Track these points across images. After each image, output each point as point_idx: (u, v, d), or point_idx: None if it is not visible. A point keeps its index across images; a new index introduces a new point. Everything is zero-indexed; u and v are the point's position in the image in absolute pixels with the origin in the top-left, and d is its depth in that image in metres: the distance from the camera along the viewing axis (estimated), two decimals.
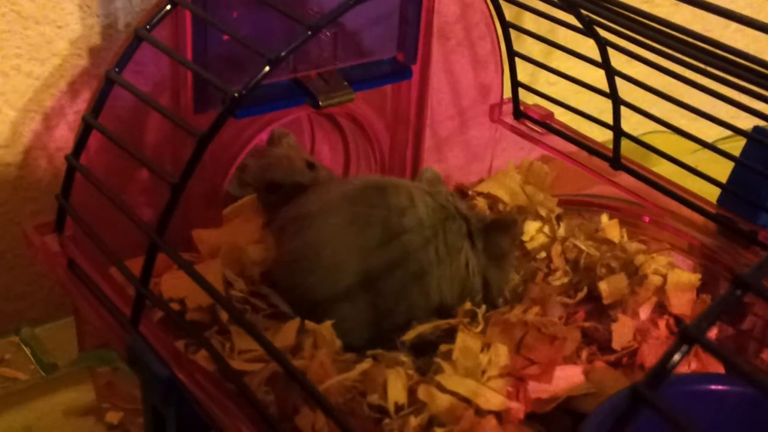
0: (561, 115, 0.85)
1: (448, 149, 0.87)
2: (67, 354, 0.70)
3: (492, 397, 0.57)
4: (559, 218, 0.75)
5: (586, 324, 0.66)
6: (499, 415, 0.57)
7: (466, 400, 0.57)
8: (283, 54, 0.52)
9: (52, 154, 0.77)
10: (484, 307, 0.65)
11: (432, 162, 0.86)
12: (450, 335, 0.61)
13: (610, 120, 0.76)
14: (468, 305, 0.64)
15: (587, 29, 0.67)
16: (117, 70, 0.60)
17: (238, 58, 0.66)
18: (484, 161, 0.89)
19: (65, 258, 0.61)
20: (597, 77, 0.76)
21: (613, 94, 0.72)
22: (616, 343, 0.64)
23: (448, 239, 0.65)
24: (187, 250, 0.70)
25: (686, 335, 0.34)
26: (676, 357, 0.34)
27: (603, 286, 0.68)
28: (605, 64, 0.70)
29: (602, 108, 0.80)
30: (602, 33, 0.69)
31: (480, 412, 0.56)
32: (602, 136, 0.82)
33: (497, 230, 0.68)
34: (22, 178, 0.76)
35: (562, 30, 0.75)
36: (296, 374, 0.48)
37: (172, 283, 0.64)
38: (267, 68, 0.51)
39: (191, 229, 0.70)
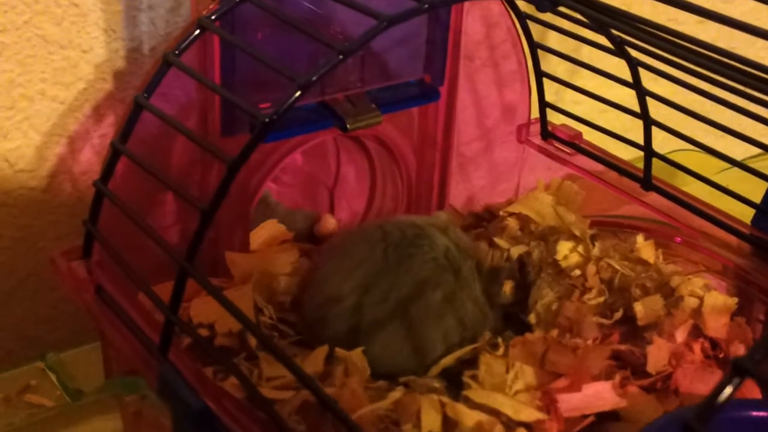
0: (587, 135, 0.84)
1: (473, 170, 0.86)
2: (93, 380, 0.69)
3: (522, 408, 0.56)
4: (593, 238, 0.74)
5: (622, 347, 0.65)
6: (530, 427, 0.56)
7: (497, 413, 0.56)
8: (313, 79, 0.51)
9: (77, 178, 0.77)
10: (508, 332, 0.64)
11: (458, 183, 0.85)
12: (473, 363, 0.61)
13: (636, 139, 0.75)
14: (488, 335, 0.64)
15: (618, 49, 0.67)
16: (146, 95, 0.59)
17: (264, 80, 0.66)
18: (510, 182, 0.88)
19: (93, 284, 0.61)
20: (622, 95, 0.76)
21: (644, 115, 0.72)
22: (651, 367, 0.63)
23: (463, 273, 0.66)
24: (213, 272, 0.70)
25: (739, 368, 0.32)
26: (728, 390, 0.33)
27: (638, 307, 0.67)
28: (636, 85, 0.69)
29: (628, 126, 0.80)
30: (632, 53, 0.68)
31: (511, 426, 0.55)
32: (627, 153, 0.81)
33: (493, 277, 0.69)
34: (46, 202, 0.76)
35: (587, 49, 0.75)
36: (329, 402, 0.47)
37: (202, 308, 0.64)
38: (298, 93, 0.51)
39: (218, 251, 0.69)
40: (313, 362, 0.60)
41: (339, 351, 0.59)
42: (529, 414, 0.55)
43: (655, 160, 0.76)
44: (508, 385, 0.57)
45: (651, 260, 0.73)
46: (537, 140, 0.84)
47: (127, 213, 0.58)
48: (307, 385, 0.48)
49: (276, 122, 0.51)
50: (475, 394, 0.55)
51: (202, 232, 0.53)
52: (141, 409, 0.57)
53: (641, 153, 0.76)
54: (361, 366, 0.58)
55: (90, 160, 0.76)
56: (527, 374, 0.58)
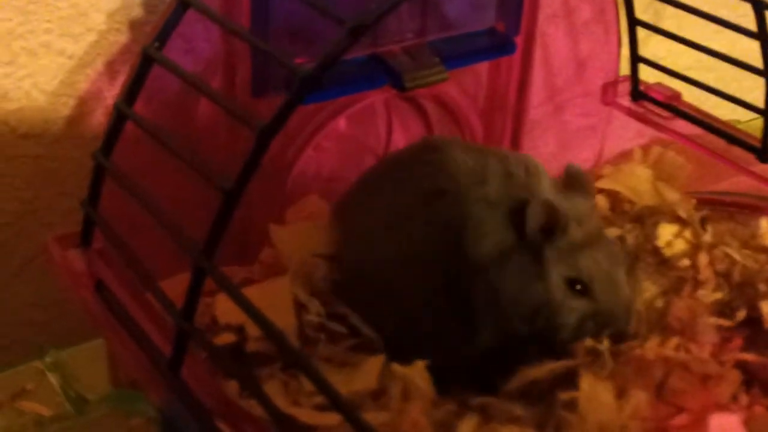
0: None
1: (549, 135, 0.79)
2: (101, 383, 0.62)
3: None
4: (704, 221, 0.66)
5: (748, 356, 0.55)
6: None
7: None
8: (368, 22, 0.42)
9: (88, 144, 0.69)
10: (607, 342, 0.54)
11: (531, 150, 0.77)
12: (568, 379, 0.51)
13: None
14: (590, 342, 0.53)
15: None
16: (157, 45, 0.50)
17: (304, 29, 0.59)
18: (592, 149, 0.80)
19: (92, 278, 0.53)
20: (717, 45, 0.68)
21: (767, 69, 0.61)
22: None
23: None
24: (242, 259, 0.63)
25: None
26: None
27: (766, 308, 0.58)
28: (761, 33, 0.58)
29: (729, 86, 0.72)
30: None
31: None
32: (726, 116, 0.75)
33: None
34: (53, 171, 0.70)
35: None
36: None
37: (229, 306, 0.53)
38: (348, 40, 0.41)
39: (248, 233, 0.63)
40: (365, 376, 0.51)
41: (396, 368, 0.49)
42: None
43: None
44: (618, 424, 0.47)
45: None
46: (626, 101, 0.76)
47: (134, 192, 0.49)
48: (343, 414, 0.39)
49: (319, 78, 0.42)
50: None
51: (225, 217, 0.44)
52: None
53: (735, 117, 0.69)
54: (424, 386, 0.48)
55: (103, 123, 0.70)
56: (642, 405, 0.48)
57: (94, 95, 0.70)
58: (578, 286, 0.54)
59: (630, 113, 0.75)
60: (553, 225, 0.55)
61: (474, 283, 0.55)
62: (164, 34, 0.51)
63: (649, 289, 0.61)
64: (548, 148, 0.80)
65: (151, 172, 0.58)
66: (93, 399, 0.60)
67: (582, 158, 0.80)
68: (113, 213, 0.54)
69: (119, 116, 0.51)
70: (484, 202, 0.56)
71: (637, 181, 0.69)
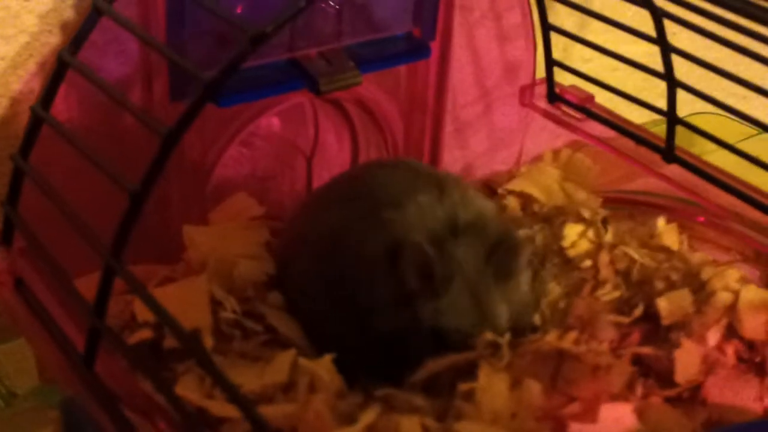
0: (598, 93, 0.76)
1: (470, 136, 0.79)
2: (30, 379, 0.62)
3: None
4: (605, 221, 0.66)
5: (644, 350, 0.56)
6: None
7: None
8: (268, 31, 0.42)
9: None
10: (508, 335, 0.54)
11: (453, 150, 0.77)
12: (469, 371, 0.52)
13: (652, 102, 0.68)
14: (489, 335, 0.54)
15: None
16: (72, 50, 0.51)
17: (225, 35, 0.58)
18: (511, 149, 0.80)
19: (12, 276, 0.53)
20: (637, 52, 0.68)
21: (668, 74, 0.63)
22: (680, 376, 0.55)
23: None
24: (165, 259, 0.62)
25: None
26: None
27: (662, 304, 0.58)
28: (661, 39, 0.60)
29: (640, 87, 0.73)
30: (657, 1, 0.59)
31: None
32: (642, 119, 0.76)
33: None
34: None
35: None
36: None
37: None
38: (248, 48, 0.42)
39: (170, 235, 0.62)
40: (276, 370, 0.51)
41: (303, 362, 0.50)
42: None
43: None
44: (510, 412, 0.48)
45: (675, 247, 0.65)
46: (542, 103, 0.77)
47: (48, 194, 0.49)
48: (240, 408, 0.39)
49: (220, 84, 0.43)
50: (468, 428, 0.46)
51: (131, 218, 0.44)
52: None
53: (652, 118, 0.70)
54: (329, 379, 0.49)
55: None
56: (535, 395, 0.49)
57: (27, 96, 0.68)
58: None
59: (546, 115, 0.76)
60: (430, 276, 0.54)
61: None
62: (79, 39, 0.51)
63: (554, 290, 0.61)
64: (479, 147, 0.80)
65: (73, 174, 0.56)
66: (21, 393, 0.61)
67: (507, 157, 0.81)
68: (36, 212, 0.53)
69: (36, 119, 0.52)
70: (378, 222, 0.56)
71: (546, 182, 0.70)
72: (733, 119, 0.85)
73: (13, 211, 0.52)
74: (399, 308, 0.54)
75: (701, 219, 0.68)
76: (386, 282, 0.54)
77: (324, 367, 0.50)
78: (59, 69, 0.51)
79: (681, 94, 0.67)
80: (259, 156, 0.71)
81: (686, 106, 0.71)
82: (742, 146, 0.67)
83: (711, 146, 0.69)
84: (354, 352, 0.52)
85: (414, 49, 0.68)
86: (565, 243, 0.64)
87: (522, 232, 0.64)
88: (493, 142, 0.80)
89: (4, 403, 0.61)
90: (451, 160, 0.78)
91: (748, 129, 0.94)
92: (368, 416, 0.46)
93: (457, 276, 0.54)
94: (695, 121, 0.70)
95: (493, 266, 0.55)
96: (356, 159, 0.74)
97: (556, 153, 0.74)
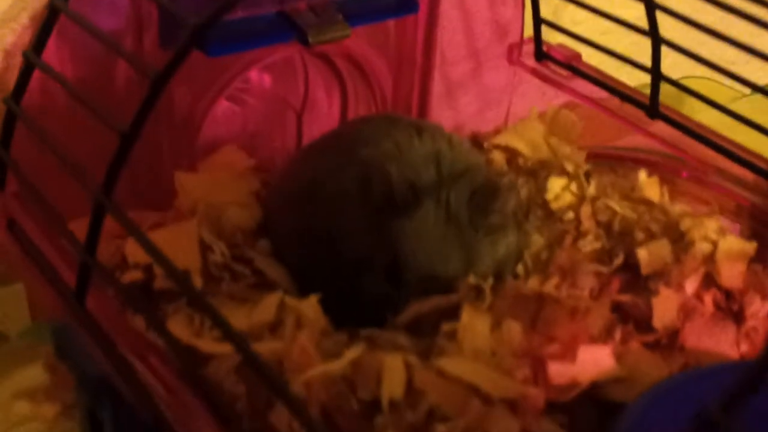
0: (588, 58, 0.76)
1: (459, 95, 0.78)
2: (23, 322, 0.63)
3: (504, 383, 0.48)
4: (588, 175, 0.66)
5: (623, 297, 0.57)
6: (514, 404, 0.48)
7: (474, 388, 0.47)
8: None
9: None
10: (491, 279, 0.55)
11: (442, 109, 0.77)
12: (453, 313, 0.52)
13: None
14: (472, 278, 0.54)
15: None
16: None
17: None
18: (500, 108, 0.80)
19: (4, 217, 0.54)
20: (628, 14, 0.68)
21: (653, 31, 0.63)
22: (658, 321, 0.55)
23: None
24: (158, 208, 0.62)
25: None
26: None
27: (642, 254, 0.59)
28: None
29: (632, 51, 0.71)
30: None
31: (490, 401, 0.47)
32: (632, 82, 0.74)
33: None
34: None
35: None
36: (259, 365, 0.39)
37: (138, 246, 0.54)
38: None
39: (161, 184, 0.62)
40: (263, 310, 0.52)
41: (289, 300, 0.51)
42: (512, 389, 0.47)
43: (662, 89, 0.68)
44: (490, 350, 0.49)
45: (656, 199, 0.65)
46: (530, 61, 0.77)
47: (40, 135, 0.50)
48: (232, 342, 0.40)
49: (207, 28, 0.43)
50: (450, 363, 0.47)
51: (121, 158, 0.45)
52: (55, 363, 0.49)
53: (647, 81, 0.68)
54: (314, 317, 0.50)
55: (31, 84, 0.65)
56: (515, 335, 0.49)
57: (20, 49, 0.64)
58: None
59: (534, 73, 0.76)
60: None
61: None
62: None
63: (537, 242, 0.61)
64: (469, 108, 0.79)
65: (65, 123, 0.57)
66: (13, 336, 0.61)
67: (496, 116, 0.80)
68: (27, 161, 0.54)
69: (28, 64, 0.52)
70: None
71: (531, 137, 0.69)
72: (719, 83, 0.86)
73: (5, 153, 0.53)
74: (365, 235, 0.55)
75: (684, 174, 0.68)
76: (356, 211, 0.55)
77: (310, 306, 0.51)
78: (51, 15, 0.51)
79: (670, 59, 0.67)
80: (249, 113, 0.71)
81: (679, 70, 0.71)
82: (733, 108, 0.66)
83: (698, 108, 0.69)
84: (330, 294, 0.53)
85: (402, 4, 0.67)
86: (549, 195, 0.64)
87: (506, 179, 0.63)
88: (482, 101, 0.80)
89: None
90: (442, 120, 0.77)
91: (733, 93, 0.95)
92: (353, 353, 0.47)
93: (428, 205, 0.54)
94: (686, 84, 0.69)
95: (477, 211, 0.55)
96: (346, 115, 0.74)
97: (542, 112, 0.74)
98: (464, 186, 0.55)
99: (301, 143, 0.74)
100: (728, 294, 0.59)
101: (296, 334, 0.49)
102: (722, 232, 0.61)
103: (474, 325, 0.50)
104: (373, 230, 0.54)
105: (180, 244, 0.55)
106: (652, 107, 0.68)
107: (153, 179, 0.63)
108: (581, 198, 0.65)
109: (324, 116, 0.74)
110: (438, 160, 0.56)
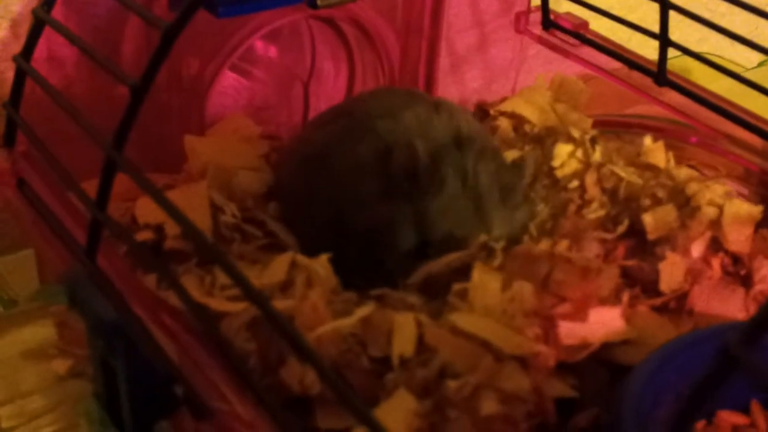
0: (596, 27, 0.76)
1: (466, 65, 0.78)
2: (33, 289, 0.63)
3: (515, 339, 0.48)
4: (594, 141, 0.66)
5: (628, 262, 0.57)
6: (524, 362, 0.48)
7: (485, 344, 0.47)
8: None
9: None
10: (503, 241, 0.55)
11: (449, 79, 0.77)
12: (464, 274, 0.52)
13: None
14: (483, 238, 0.55)
15: None
16: None
17: None
18: (507, 79, 0.80)
19: (14, 176, 0.54)
20: None
21: None
22: (665, 285, 0.55)
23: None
24: (169, 171, 0.63)
25: None
26: None
27: (647, 219, 0.58)
28: None
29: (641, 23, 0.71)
30: None
31: (501, 358, 0.47)
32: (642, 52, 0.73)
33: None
34: None
35: None
36: (278, 319, 0.39)
37: (149, 207, 0.56)
38: None
39: (170, 148, 0.62)
40: (274, 270, 0.52)
41: (300, 258, 0.51)
42: (524, 346, 0.47)
43: (669, 66, 0.67)
44: (501, 308, 0.49)
45: (661, 165, 0.65)
46: (537, 30, 0.76)
47: (51, 93, 0.50)
48: (250, 298, 0.40)
49: None
50: (462, 319, 0.47)
51: (132, 112, 0.45)
52: (66, 320, 0.49)
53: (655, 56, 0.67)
54: (325, 275, 0.50)
55: (40, 45, 0.65)
56: (526, 295, 0.49)
57: (29, 17, 0.66)
58: None
59: (541, 41, 0.75)
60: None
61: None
62: None
63: (542, 211, 0.61)
64: (475, 82, 0.79)
65: (77, 80, 0.59)
66: (21, 299, 0.62)
67: (503, 87, 0.80)
68: (36, 116, 0.54)
69: (38, 22, 0.52)
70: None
71: (538, 103, 0.69)
72: (724, 59, 0.86)
73: (15, 112, 0.53)
74: (380, 206, 0.54)
75: (693, 140, 0.68)
76: (371, 182, 0.55)
77: (321, 265, 0.51)
78: None
79: (676, 36, 0.66)
80: (256, 86, 0.71)
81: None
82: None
83: (706, 80, 0.68)
84: (338, 259, 0.52)
85: None
86: (555, 162, 0.64)
87: (512, 153, 0.64)
88: (489, 71, 0.79)
89: (4, 308, 0.62)
90: (448, 94, 0.77)
91: (738, 69, 0.95)
92: (363, 311, 0.47)
93: (452, 182, 0.54)
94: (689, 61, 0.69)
95: (504, 189, 0.56)
96: (353, 87, 0.74)
97: (550, 79, 0.73)
98: (487, 165, 0.55)
99: (307, 115, 0.74)
100: (736, 258, 0.59)
101: (307, 292, 0.49)
102: (728, 196, 0.61)
103: (485, 283, 0.50)
104: (390, 203, 0.54)
105: (191, 205, 0.55)
106: (659, 74, 0.67)
107: (162, 145, 0.63)
108: (587, 165, 0.65)
109: (330, 88, 0.74)
110: (458, 137, 0.56)
